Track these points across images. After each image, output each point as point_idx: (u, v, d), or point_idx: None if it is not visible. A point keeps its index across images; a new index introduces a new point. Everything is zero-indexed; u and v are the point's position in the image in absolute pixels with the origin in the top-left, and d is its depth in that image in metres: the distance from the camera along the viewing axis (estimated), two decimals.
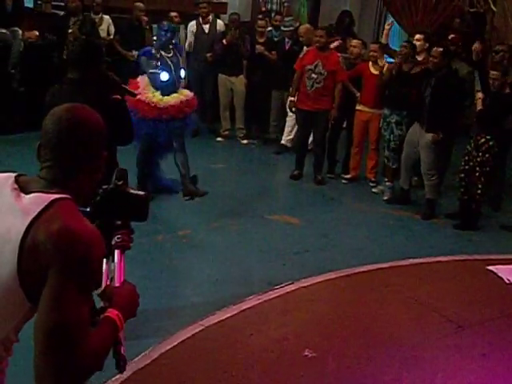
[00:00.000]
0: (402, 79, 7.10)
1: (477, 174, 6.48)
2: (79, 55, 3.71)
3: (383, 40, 8.09)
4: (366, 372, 2.63)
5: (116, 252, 2.08)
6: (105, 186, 2.14)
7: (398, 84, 7.12)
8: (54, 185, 1.83)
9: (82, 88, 3.55)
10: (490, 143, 6.38)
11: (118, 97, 3.79)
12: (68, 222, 1.72)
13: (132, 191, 2.16)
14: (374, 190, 7.72)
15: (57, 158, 1.87)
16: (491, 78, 6.41)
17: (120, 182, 2.16)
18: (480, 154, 6.43)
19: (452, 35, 8.61)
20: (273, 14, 10.92)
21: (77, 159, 1.88)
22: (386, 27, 8.48)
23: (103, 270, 2.02)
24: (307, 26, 8.92)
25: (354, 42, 8.05)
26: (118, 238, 2.10)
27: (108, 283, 2.02)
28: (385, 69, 7.38)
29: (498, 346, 2.92)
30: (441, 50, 6.66)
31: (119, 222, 2.13)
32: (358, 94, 7.62)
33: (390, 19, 11.13)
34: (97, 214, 2.12)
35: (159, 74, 6.49)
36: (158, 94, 6.47)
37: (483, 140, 6.41)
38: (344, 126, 8.22)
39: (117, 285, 1.99)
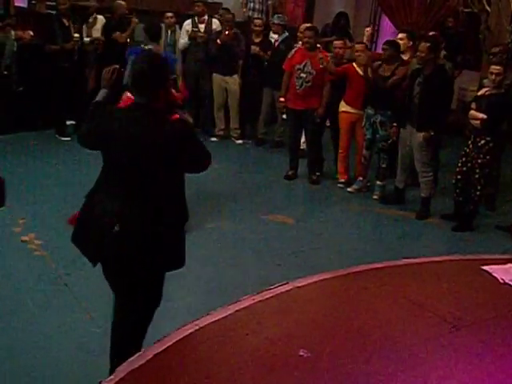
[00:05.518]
0: (382, 83, 7.10)
1: (476, 175, 6.47)
2: (146, 75, 3.18)
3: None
4: (360, 372, 2.62)
5: None
6: None
7: (380, 87, 7.12)
8: None
9: (153, 114, 3.19)
10: (490, 144, 6.37)
11: (177, 115, 3.37)
12: None
13: None
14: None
15: None
16: (493, 72, 6.35)
17: None
18: (481, 155, 6.41)
19: (433, 32, 8.63)
20: (255, 14, 10.93)
21: None
22: (366, 33, 8.48)
23: None
24: (308, 25, 8.84)
25: (338, 42, 7.97)
26: None
27: None
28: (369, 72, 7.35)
29: (493, 346, 2.92)
30: (428, 45, 6.62)
31: None
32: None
33: (382, 20, 11.19)
34: None
35: None
36: None
37: (483, 142, 6.38)
38: (328, 124, 8.20)
39: None
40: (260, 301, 3.17)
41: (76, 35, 8.49)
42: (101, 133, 3.28)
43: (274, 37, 9.25)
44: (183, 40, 9.20)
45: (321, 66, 7.41)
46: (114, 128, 3.21)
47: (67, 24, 8.49)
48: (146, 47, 6.43)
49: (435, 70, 6.68)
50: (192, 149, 3.26)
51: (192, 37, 9.13)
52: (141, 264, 3.25)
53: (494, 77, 6.33)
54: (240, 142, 9.41)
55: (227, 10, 9.53)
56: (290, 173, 7.98)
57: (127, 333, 3.45)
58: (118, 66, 3.64)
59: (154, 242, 3.23)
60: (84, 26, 8.90)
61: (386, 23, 11.85)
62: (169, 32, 9.20)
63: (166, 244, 3.30)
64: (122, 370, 2.50)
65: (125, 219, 3.18)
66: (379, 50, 9.01)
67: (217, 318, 2.95)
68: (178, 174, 3.32)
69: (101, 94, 3.52)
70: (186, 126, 3.30)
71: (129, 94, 4.77)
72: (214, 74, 9.21)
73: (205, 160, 3.36)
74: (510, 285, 3.55)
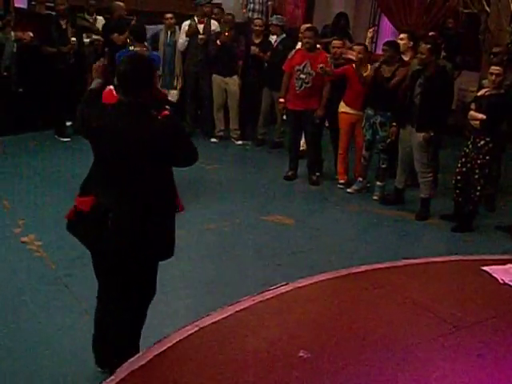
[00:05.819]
0: (382, 84, 7.09)
1: (476, 176, 6.47)
2: (128, 77, 3.27)
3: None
4: (360, 372, 2.62)
5: None
6: None
7: (380, 88, 7.11)
8: None
9: (137, 111, 3.24)
10: (490, 145, 6.37)
11: (167, 112, 3.39)
12: None
13: None
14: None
15: None
16: (493, 73, 6.35)
17: None
18: (481, 156, 6.41)
19: (432, 33, 8.62)
20: (255, 15, 10.92)
21: None
22: (369, 34, 8.47)
23: None
24: (308, 25, 8.84)
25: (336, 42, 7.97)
26: None
27: None
28: (368, 72, 7.33)
29: (493, 347, 2.92)
30: (429, 46, 6.61)
31: None
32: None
33: (381, 21, 11.18)
34: None
35: None
36: None
37: (483, 142, 6.38)
38: (327, 124, 8.19)
39: None
40: (260, 301, 3.17)
41: (73, 39, 8.46)
42: (89, 125, 3.37)
43: (273, 38, 9.25)
44: (182, 39, 9.17)
45: (320, 72, 7.34)
46: (100, 122, 3.29)
47: (64, 27, 8.47)
48: (136, 49, 6.45)
49: (436, 71, 6.68)
50: (181, 145, 3.32)
51: (192, 28, 9.06)
52: (133, 259, 3.28)
53: (493, 77, 6.33)
54: (240, 142, 9.41)
55: (222, 9, 9.52)
56: (289, 173, 7.98)
57: (125, 332, 3.46)
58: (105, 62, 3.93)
59: (144, 238, 3.26)
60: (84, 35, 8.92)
61: (386, 24, 11.84)
62: (168, 33, 9.18)
63: (155, 239, 3.32)
64: (123, 370, 2.51)
65: (116, 215, 3.22)
66: (379, 51, 9.00)
67: (217, 319, 2.95)
68: (166, 170, 3.36)
69: (95, 83, 3.76)
70: (174, 123, 3.35)
71: (111, 87, 4.84)
72: (214, 75, 9.20)
73: (193, 156, 3.40)
74: (509, 285, 3.55)
